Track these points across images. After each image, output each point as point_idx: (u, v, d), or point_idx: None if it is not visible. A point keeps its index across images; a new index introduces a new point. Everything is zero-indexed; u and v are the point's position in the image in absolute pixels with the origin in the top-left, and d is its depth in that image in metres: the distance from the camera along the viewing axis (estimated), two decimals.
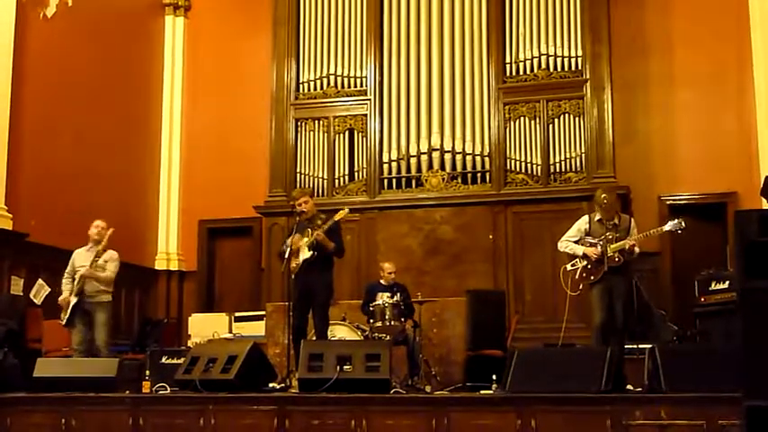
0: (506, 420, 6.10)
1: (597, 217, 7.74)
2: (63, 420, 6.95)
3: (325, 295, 8.00)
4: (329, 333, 8.53)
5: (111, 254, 8.52)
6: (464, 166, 11.28)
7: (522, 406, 6.10)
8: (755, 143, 10.57)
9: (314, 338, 7.90)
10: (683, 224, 7.53)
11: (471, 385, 8.06)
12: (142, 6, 13.31)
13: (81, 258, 8.48)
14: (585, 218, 7.92)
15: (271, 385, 7.43)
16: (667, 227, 7.64)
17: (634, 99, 11.66)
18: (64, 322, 8.42)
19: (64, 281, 8.56)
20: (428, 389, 8.01)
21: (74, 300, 8.28)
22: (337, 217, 7.94)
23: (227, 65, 13.32)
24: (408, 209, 11.36)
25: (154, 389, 7.52)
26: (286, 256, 7.91)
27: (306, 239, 7.89)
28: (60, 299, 8.46)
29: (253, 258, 12.71)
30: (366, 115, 11.76)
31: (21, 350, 9.05)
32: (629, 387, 6.72)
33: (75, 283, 8.31)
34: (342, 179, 11.76)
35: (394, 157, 11.50)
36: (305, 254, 7.86)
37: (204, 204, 13.07)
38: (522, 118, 11.24)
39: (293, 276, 7.93)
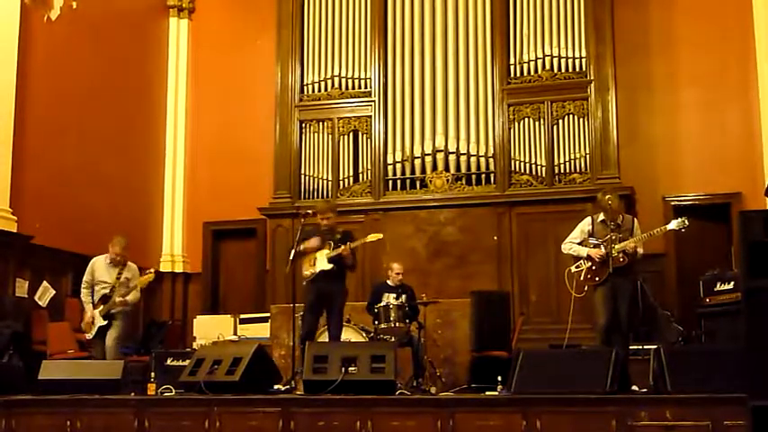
0: (511, 421, 6.09)
1: (600, 218, 7.73)
2: (68, 422, 6.94)
3: (343, 300, 8.20)
4: None
5: (134, 270, 8.64)
6: (468, 168, 11.28)
7: (528, 407, 6.09)
8: (759, 143, 10.56)
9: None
10: (686, 222, 7.52)
11: (476, 386, 8.05)
12: (146, 9, 13.31)
13: (103, 273, 8.54)
14: (588, 219, 7.91)
15: (276, 387, 7.44)
16: (671, 226, 7.62)
17: (638, 100, 11.63)
18: (90, 337, 8.50)
19: (84, 291, 8.59)
20: (433, 390, 8.01)
21: (104, 322, 8.38)
22: (370, 238, 8.20)
23: (231, 67, 13.32)
24: (413, 210, 11.35)
25: (159, 391, 7.53)
26: (291, 258, 8.02)
27: (326, 251, 8.00)
28: (86, 319, 8.46)
29: (257, 260, 12.71)
30: (370, 117, 11.76)
31: (26, 352, 9.08)
32: (635, 388, 6.70)
33: (106, 306, 8.37)
34: (346, 181, 11.76)
35: (398, 158, 11.48)
36: (324, 265, 7.99)
37: (209, 206, 13.07)
38: (526, 119, 11.24)
39: (306, 282, 8.11)
